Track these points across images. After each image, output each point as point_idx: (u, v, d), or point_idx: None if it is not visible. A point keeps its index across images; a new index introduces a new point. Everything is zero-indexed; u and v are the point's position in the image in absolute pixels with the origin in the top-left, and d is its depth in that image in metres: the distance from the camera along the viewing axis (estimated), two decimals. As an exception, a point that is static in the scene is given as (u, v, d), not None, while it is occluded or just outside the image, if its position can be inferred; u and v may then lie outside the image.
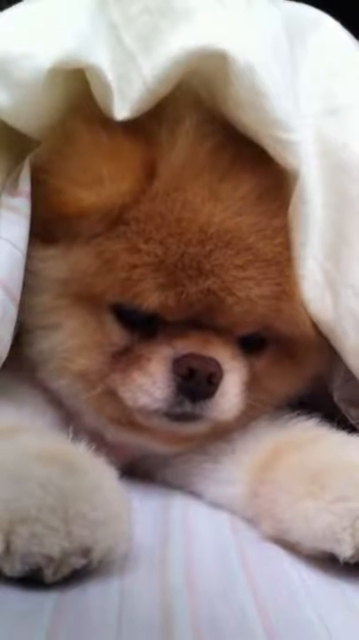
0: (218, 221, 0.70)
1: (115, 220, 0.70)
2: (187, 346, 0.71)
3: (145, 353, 0.71)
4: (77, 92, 0.74)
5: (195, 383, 0.70)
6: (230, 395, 0.73)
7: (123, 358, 0.72)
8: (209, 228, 0.70)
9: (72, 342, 0.73)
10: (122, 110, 0.72)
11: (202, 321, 0.72)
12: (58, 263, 0.72)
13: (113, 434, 0.77)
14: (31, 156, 0.75)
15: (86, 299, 0.72)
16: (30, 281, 0.72)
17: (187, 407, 0.71)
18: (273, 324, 0.74)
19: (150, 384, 0.70)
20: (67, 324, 0.73)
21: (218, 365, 0.71)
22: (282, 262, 0.72)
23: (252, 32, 0.73)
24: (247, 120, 0.73)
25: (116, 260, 0.70)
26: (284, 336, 0.75)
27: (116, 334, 0.73)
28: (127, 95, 0.72)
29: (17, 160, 0.77)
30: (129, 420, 0.74)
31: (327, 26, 0.81)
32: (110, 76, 0.71)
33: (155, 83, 0.71)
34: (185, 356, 0.71)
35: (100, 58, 0.71)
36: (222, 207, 0.71)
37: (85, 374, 0.73)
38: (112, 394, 0.73)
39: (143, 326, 0.72)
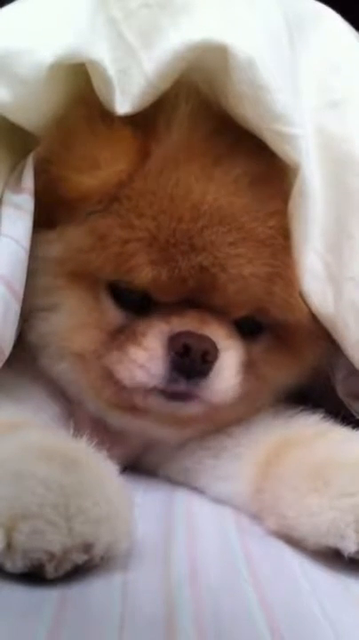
0: (210, 200, 0.71)
1: (110, 198, 0.71)
2: (182, 324, 0.72)
3: (141, 329, 0.72)
4: (79, 88, 0.74)
5: (190, 360, 0.70)
6: (225, 375, 0.73)
7: (120, 336, 0.73)
8: (201, 206, 0.70)
9: (70, 322, 0.74)
10: (123, 105, 0.72)
11: (197, 301, 0.73)
12: (55, 244, 0.73)
13: (114, 420, 0.77)
14: (34, 153, 0.75)
15: (83, 277, 0.73)
16: (30, 264, 0.72)
17: (182, 385, 0.71)
18: (267, 307, 0.74)
19: (145, 359, 0.71)
20: (66, 304, 0.74)
21: (213, 344, 0.72)
22: (275, 245, 0.73)
23: (253, 25, 0.72)
24: (248, 114, 0.73)
25: (110, 236, 0.71)
26: (279, 321, 0.75)
27: (112, 314, 0.74)
28: (128, 90, 0.72)
29: (19, 157, 0.78)
30: (127, 403, 0.74)
31: (328, 19, 0.81)
32: (111, 71, 0.72)
33: (156, 77, 0.71)
34: (180, 333, 0.71)
35: (101, 53, 0.71)
36: (215, 187, 0.71)
37: (83, 355, 0.74)
38: (110, 376, 0.73)
39: (139, 306, 0.73)
